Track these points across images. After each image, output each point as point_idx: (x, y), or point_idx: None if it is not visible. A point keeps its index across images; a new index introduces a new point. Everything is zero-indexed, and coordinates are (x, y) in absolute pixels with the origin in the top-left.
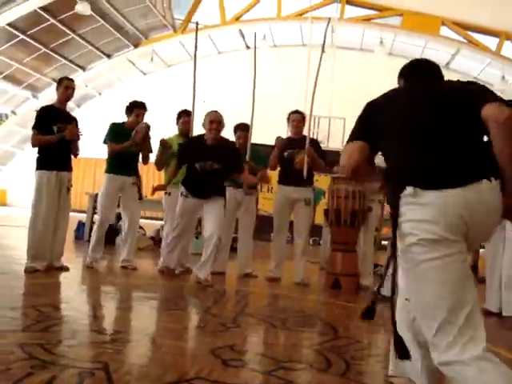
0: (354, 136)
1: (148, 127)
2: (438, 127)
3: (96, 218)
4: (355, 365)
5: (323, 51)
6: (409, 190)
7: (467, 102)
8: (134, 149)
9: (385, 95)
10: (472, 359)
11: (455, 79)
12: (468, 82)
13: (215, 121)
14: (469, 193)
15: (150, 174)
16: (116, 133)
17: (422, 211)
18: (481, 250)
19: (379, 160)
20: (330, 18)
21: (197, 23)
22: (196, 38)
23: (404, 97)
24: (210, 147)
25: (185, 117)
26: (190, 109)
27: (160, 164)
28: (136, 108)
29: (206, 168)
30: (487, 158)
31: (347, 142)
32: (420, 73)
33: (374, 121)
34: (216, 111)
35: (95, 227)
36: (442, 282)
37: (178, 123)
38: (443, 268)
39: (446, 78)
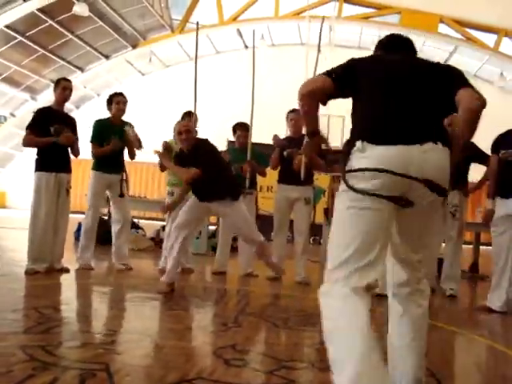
0: (329, 75)
1: (131, 127)
2: (409, 93)
3: (84, 217)
4: None
5: (319, 51)
6: (358, 144)
7: (446, 80)
8: (120, 145)
9: (372, 57)
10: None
11: None
12: (448, 65)
13: (182, 131)
14: (413, 152)
15: (144, 172)
16: (101, 130)
17: (367, 163)
18: (482, 248)
19: None
20: (323, 18)
21: (197, 23)
22: (197, 39)
23: (391, 61)
24: (188, 156)
25: (188, 119)
26: (192, 109)
27: (162, 166)
28: (114, 97)
29: None
30: (440, 129)
31: (321, 74)
32: (399, 46)
33: (358, 75)
34: (180, 121)
35: (85, 227)
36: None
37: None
38: (363, 217)
39: None
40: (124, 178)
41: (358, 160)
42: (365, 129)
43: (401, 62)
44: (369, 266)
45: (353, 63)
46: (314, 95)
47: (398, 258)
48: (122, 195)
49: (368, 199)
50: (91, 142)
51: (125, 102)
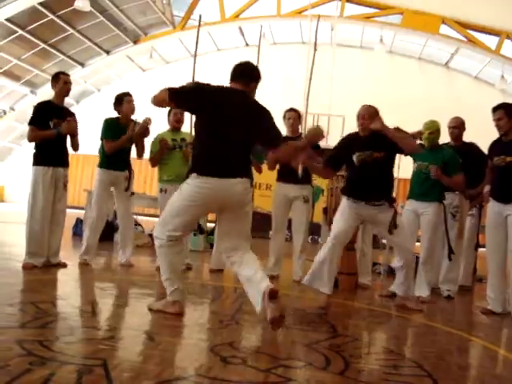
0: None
1: (147, 123)
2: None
3: (89, 214)
4: (354, 363)
5: (315, 50)
6: (194, 174)
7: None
8: (129, 144)
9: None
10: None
11: (455, 78)
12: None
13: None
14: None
15: (143, 168)
16: (111, 129)
17: (197, 184)
18: (481, 249)
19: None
20: (319, 16)
21: (200, 16)
22: (198, 31)
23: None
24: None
25: (174, 110)
26: None
27: (156, 161)
28: (125, 96)
29: None
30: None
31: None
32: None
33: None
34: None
35: (89, 223)
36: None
37: (168, 118)
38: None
39: (445, 77)
40: (130, 175)
41: (192, 181)
42: (203, 162)
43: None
44: None
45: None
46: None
47: None
48: (132, 193)
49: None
50: (101, 139)
51: (133, 101)
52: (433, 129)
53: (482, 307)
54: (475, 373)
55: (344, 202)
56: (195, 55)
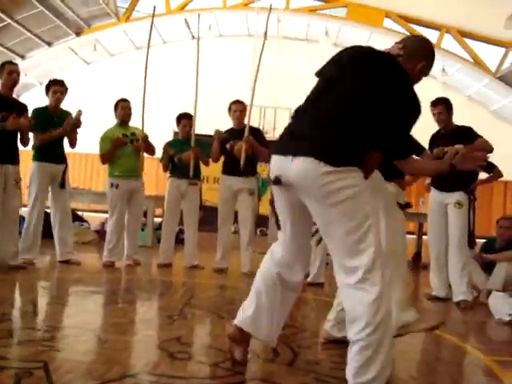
0: None
1: (79, 114)
2: None
3: (28, 212)
4: (302, 353)
5: (266, 39)
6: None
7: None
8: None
9: None
10: None
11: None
12: None
13: None
14: None
15: (89, 163)
16: (41, 119)
17: None
18: (425, 237)
19: None
20: (271, 5)
21: (154, 7)
22: (151, 28)
23: None
24: None
25: (122, 104)
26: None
27: (108, 158)
28: (53, 85)
29: None
30: None
31: None
32: None
33: None
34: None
35: (28, 221)
36: None
37: (116, 113)
38: None
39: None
40: (66, 169)
41: None
42: None
43: None
44: None
45: None
46: None
47: None
48: (63, 186)
49: None
50: (32, 130)
51: (63, 92)
52: None
53: (426, 293)
54: (420, 357)
55: None
56: (147, 52)
